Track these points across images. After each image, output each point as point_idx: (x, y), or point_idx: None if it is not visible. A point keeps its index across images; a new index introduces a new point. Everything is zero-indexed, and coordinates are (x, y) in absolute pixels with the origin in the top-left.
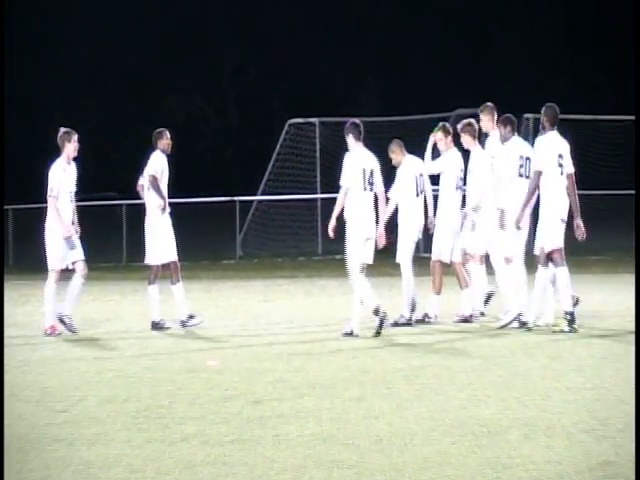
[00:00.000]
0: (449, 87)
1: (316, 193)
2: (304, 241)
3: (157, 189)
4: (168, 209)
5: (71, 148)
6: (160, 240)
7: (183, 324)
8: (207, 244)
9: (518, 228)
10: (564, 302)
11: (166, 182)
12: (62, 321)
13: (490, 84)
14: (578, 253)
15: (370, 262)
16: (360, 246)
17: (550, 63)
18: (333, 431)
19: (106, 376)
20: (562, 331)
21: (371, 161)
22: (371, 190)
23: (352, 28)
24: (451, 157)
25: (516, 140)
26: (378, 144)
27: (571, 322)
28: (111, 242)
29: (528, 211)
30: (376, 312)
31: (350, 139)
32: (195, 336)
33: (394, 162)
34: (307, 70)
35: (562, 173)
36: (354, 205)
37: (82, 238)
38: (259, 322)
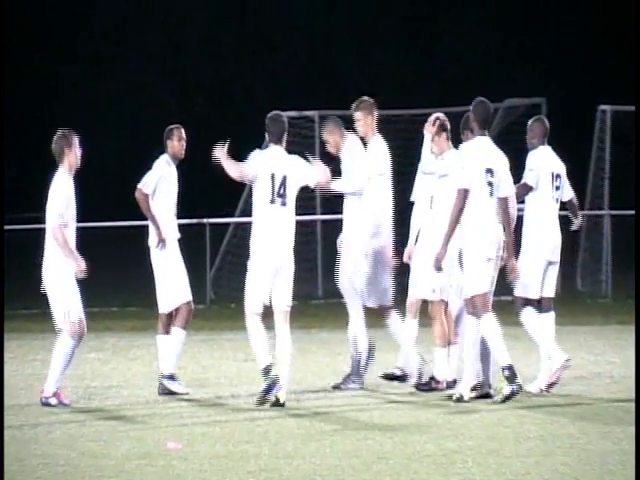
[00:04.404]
0: (495, 71)
1: (315, 213)
2: (298, 279)
3: (147, 211)
4: (177, 235)
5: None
6: (170, 279)
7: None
8: None
9: (438, 269)
10: (498, 358)
11: (173, 201)
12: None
13: (552, 66)
14: None
15: (288, 306)
16: (263, 280)
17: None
18: None
19: (30, 463)
20: (506, 398)
21: (285, 166)
22: (283, 204)
23: None
24: (452, 160)
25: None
26: (403, 145)
27: (511, 379)
28: (33, 281)
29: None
30: (265, 371)
31: (268, 136)
32: (150, 408)
33: (332, 149)
34: (302, 45)
35: (492, 194)
36: (257, 223)
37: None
38: (237, 389)
